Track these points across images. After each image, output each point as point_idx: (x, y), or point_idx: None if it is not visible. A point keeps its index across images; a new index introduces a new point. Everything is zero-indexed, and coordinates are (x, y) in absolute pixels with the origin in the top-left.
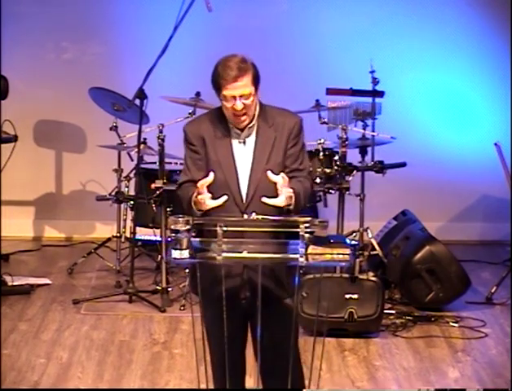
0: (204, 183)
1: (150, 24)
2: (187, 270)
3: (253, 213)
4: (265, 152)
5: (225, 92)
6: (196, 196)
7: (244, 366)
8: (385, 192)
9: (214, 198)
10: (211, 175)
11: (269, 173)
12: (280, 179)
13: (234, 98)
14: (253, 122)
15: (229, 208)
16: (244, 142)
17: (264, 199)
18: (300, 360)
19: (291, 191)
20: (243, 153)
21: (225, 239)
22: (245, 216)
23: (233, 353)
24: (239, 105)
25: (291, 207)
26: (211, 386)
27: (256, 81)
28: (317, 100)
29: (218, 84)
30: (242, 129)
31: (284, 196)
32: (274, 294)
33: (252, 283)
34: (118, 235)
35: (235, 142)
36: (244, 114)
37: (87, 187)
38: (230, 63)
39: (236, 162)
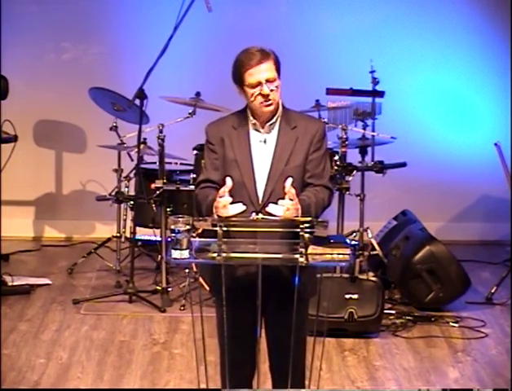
0: (225, 190)
1: (150, 24)
2: (187, 270)
3: (253, 214)
4: (286, 153)
5: (250, 79)
6: (217, 202)
7: (254, 366)
8: (385, 192)
9: (232, 198)
10: (229, 181)
11: (288, 181)
12: (288, 192)
13: (260, 83)
14: (273, 119)
15: (245, 208)
16: (264, 141)
17: (268, 209)
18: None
19: (295, 202)
20: (263, 152)
21: (234, 239)
22: (260, 215)
23: (245, 352)
24: (266, 89)
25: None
26: (211, 386)
27: (278, 69)
28: (317, 100)
29: (240, 73)
30: (263, 125)
31: (282, 210)
32: (295, 293)
33: (270, 281)
34: (118, 235)
35: (255, 141)
36: (271, 101)
37: (87, 187)
38: (251, 50)
39: (253, 161)
